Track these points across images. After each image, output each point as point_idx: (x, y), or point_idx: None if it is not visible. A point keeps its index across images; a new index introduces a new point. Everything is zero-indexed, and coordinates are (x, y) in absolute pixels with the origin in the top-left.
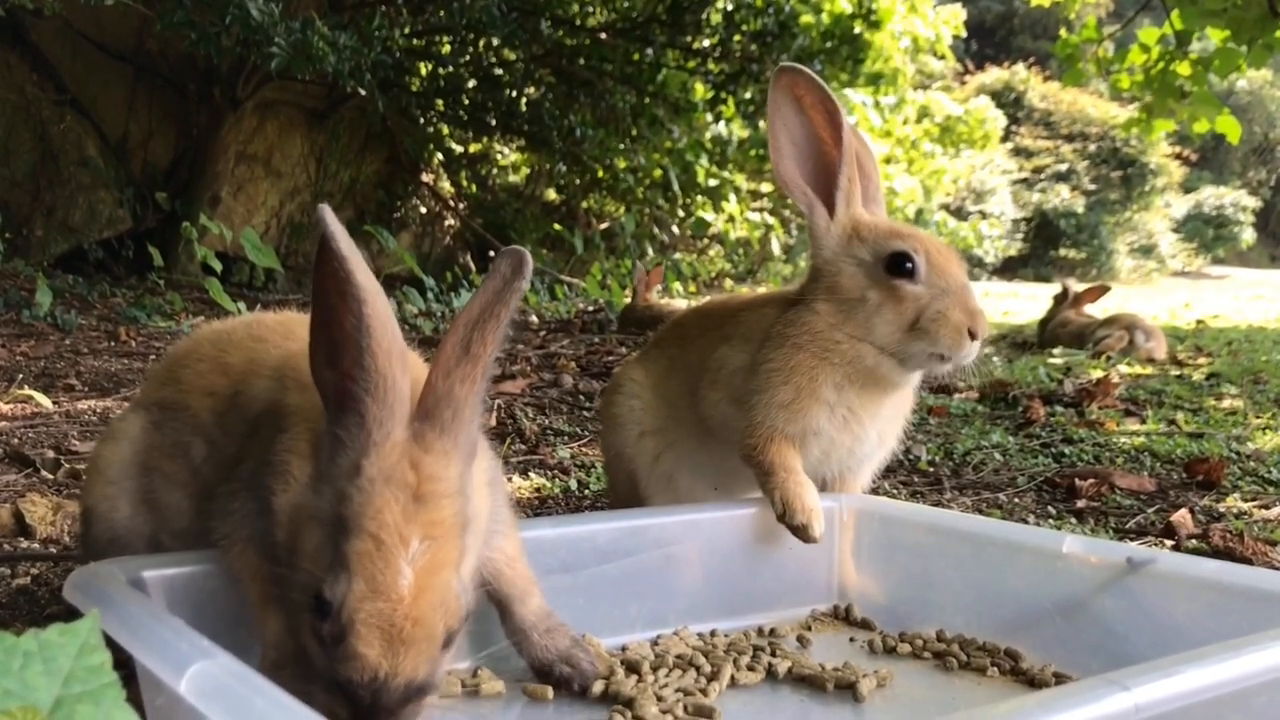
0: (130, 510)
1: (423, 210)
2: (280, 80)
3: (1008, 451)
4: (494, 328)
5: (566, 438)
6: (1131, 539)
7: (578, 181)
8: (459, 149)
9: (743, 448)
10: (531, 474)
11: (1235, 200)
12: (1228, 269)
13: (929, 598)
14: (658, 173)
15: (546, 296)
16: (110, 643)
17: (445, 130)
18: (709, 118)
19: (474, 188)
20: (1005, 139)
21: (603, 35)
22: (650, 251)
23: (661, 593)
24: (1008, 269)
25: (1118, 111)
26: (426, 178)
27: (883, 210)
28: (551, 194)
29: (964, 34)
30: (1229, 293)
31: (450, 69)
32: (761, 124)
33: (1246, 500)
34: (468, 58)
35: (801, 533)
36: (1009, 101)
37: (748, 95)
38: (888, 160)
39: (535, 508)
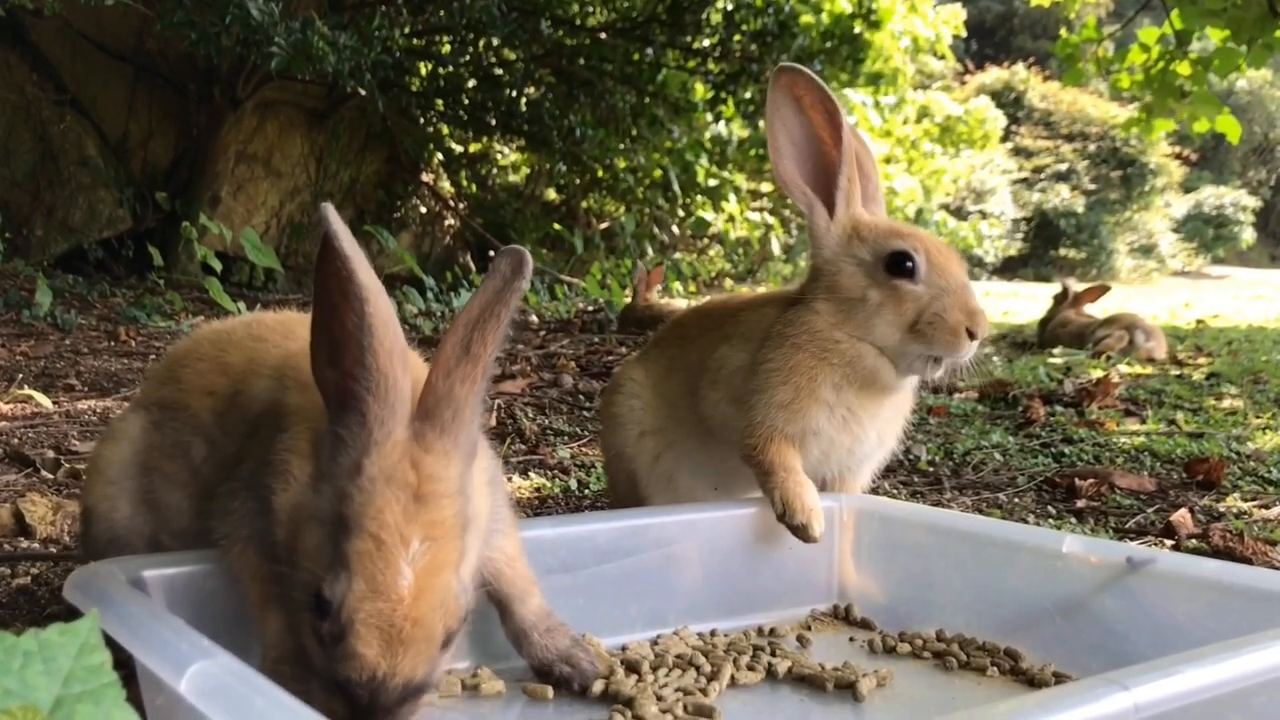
0: (130, 510)
1: (423, 210)
2: (280, 80)
3: (1008, 451)
4: (494, 327)
5: (566, 438)
6: (1131, 539)
7: (578, 181)
8: (459, 149)
9: (742, 447)
10: (531, 474)
11: (1235, 200)
12: (1228, 269)
13: (929, 597)
14: (658, 173)
15: (546, 296)
16: (110, 642)
17: (445, 130)
18: (709, 118)
19: (474, 188)
20: (1005, 139)
21: (603, 35)
22: (650, 251)
23: (661, 592)
24: (1008, 269)
25: (1118, 111)
26: (426, 178)
27: (882, 210)
28: (551, 194)
29: (964, 34)
30: (1229, 292)
31: (450, 69)
32: (761, 124)
33: (1246, 500)
34: (468, 58)
35: (801, 532)
36: (1009, 101)
37: (748, 95)
38: (888, 160)
39: (535, 508)
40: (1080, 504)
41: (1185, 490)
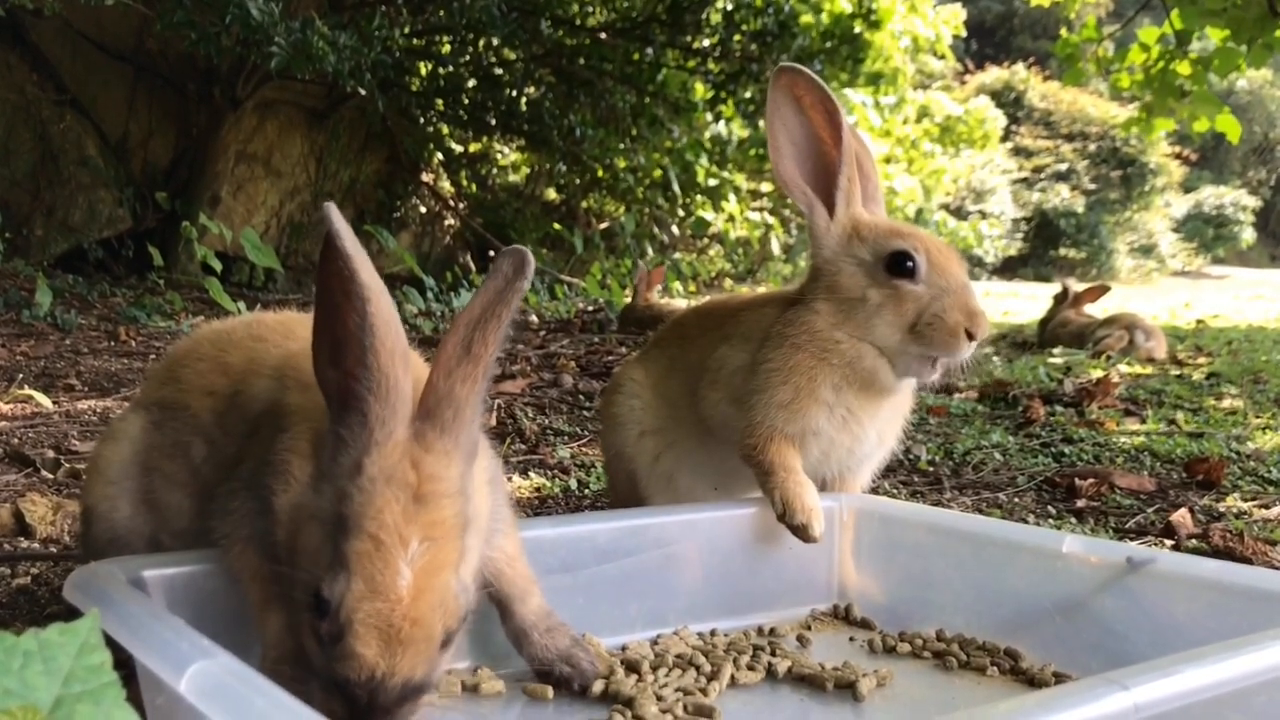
0: (130, 510)
1: (423, 210)
2: (280, 80)
3: (1008, 451)
4: (495, 328)
5: (566, 438)
6: (1131, 539)
7: (578, 181)
8: (459, 149)
9: (742, 447)
10: (531, 474)
11: (1235, 200)
12: (1228, 269)
13: (929, 597)
14: (658, 173)
15: (546, 296)
16: (110, 642)
17: (445, 130)
18: (709, 117)
19: (474, 187)
20: (1005, 139)
21: (603, 35)
22: (650, 251)
23: (661, 592)
24: (1008, 269)
25: (1118, 111)
26: (426, 177)
27: (882, 210)
28: (551, 194)
29: (964, 34)
30: (1229, 292)
31: (450, 69)
32: (761, 124)
33: (1246, 500)
34: (468, 58)
35: (801, 532)
36: (1009, 101)
37: (748, 95)
38: (888, 160)
39: (535, 507)
40: (1080, 504)
41: (1185, 490)
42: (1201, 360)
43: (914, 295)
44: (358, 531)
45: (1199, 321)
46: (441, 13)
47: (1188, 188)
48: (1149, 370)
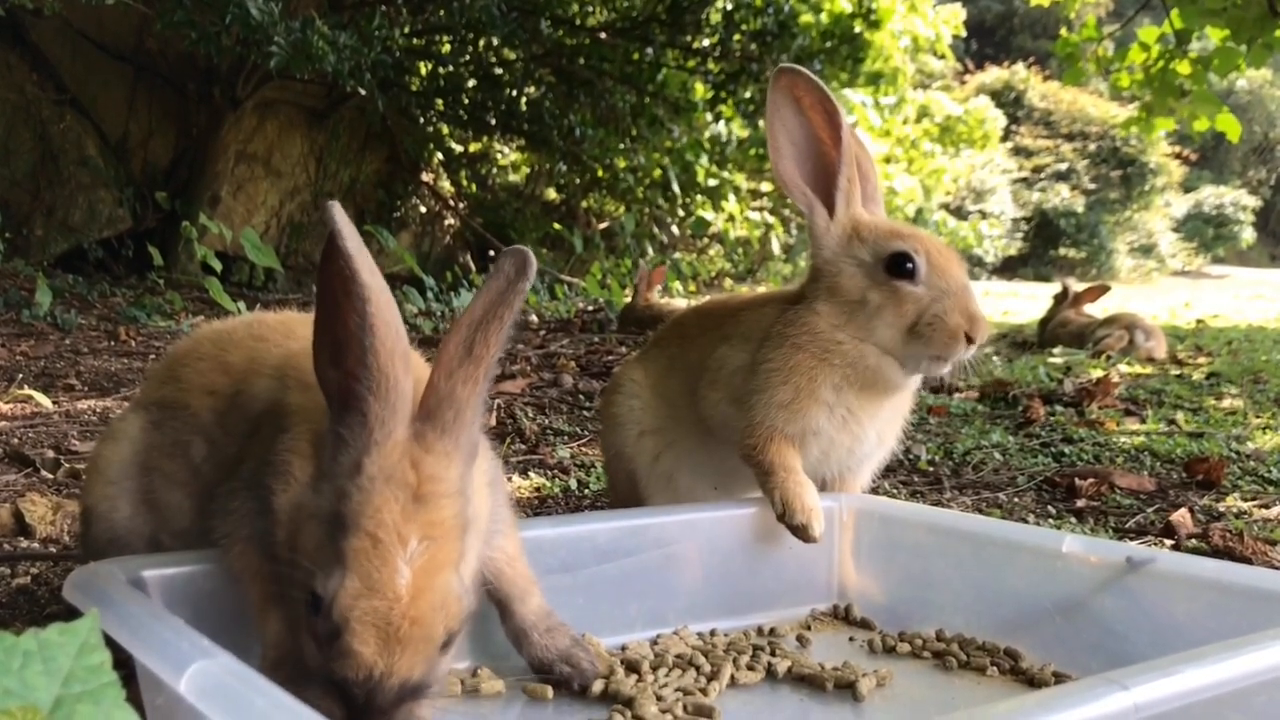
0: (130, 510)
1: (423, 210)
2: (280, 80)
3: (1008, 451)
4: (497, 329)
5: (566, 437)
6: (1131, 539)
7: (578, 181)
8: (459, 148)
9: (742, 447)
10: (531, 474)
11: (1235, 200)
12: (1228, 268)
13: (929, 597)
14: (658, 172)
15: (546, 296)
16: (110, 642)
17: (445, 130)
18: (709, 117)
19: (474, 187)
20: (1005, 138)
21: (603, 35)
22: (650, 251)
23: (661, 592)
24: (1008, 268)
25: (1118, 111)
26: (426, 177)
27: (882, 210)
28: (551, 193)
29: (964, 33)
30: (1229, 292)
31: (450, 69)
32: (761, 124)
33: (1246, 500)
34: (468, 57)
35: (801, 532)
36: (1009, 101)
37: (747, 95)
38: (887, 160)
39: (535, 507)
40: (1080, 504)
41: (1185, 490)
42: (1201, 360)
43: (914, 296)
44: (356, 530)
45: (1199, 321)
46: (441, 13)
47: (1188, 187)
48: (1149, 370)
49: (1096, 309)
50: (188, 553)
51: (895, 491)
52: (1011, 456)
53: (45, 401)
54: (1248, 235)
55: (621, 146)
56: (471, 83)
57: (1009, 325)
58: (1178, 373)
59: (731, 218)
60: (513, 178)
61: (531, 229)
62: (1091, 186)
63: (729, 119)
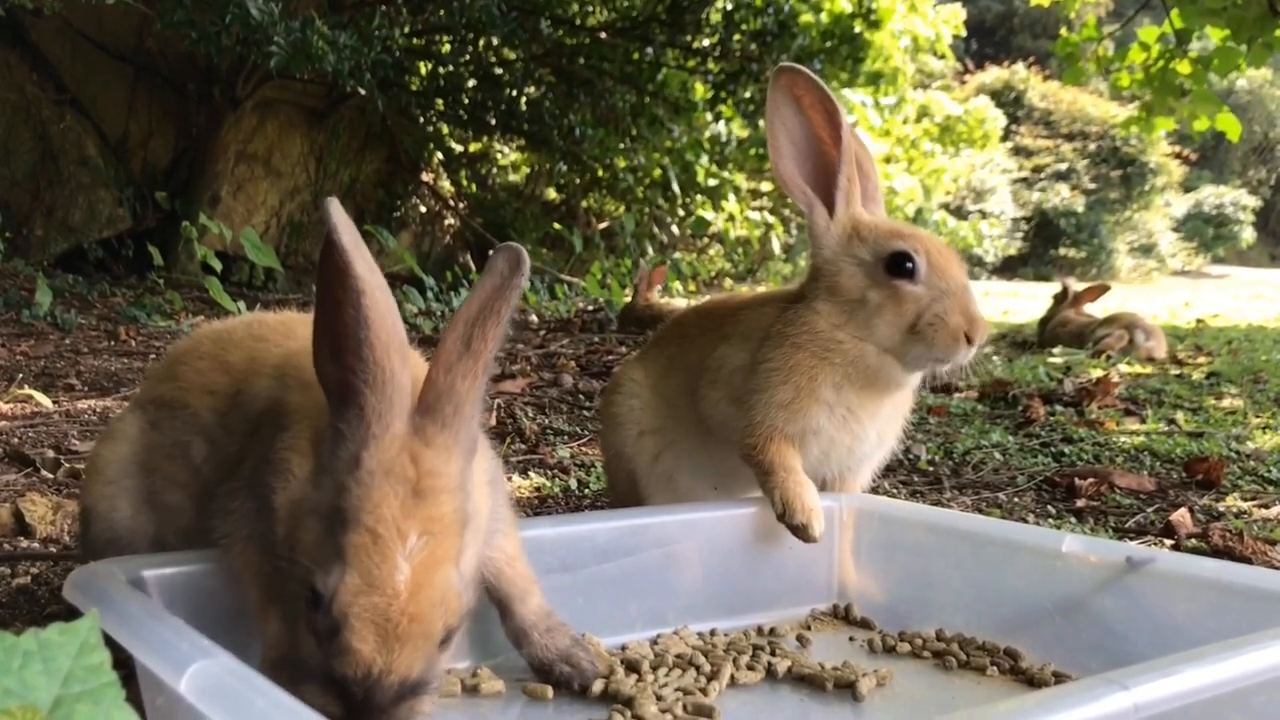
0: (130, 510)
1: (423, 210)
2: (280, 79)
3: (1007, 451)
4: (495, 323)
5: (566, 437)
6: (1131, 538)
7: (578, 181)
8: (459, 148)
9: (742, 447)
10: (531, 473)
11: (1235, 199)
12: (1228, 268)
13: (929, 597)
14: (657, 172)
15: (546, 296)
16: (110, 642)
17: (445, 130)
18: (709, 117)
19: (474, 187)
20: (1005, 138)
21: (603, 35)
22: (650, 251)
23: (661, 592)
24: (1008, 268)
25: (1118, 110)
26: (426, 177)
27: (882, 210)
28: (551, 193)
29: (964, 33)
30: (1229, 292)
31: (450, 68)
32: (761, 123)
33: (1246, 499)
34: (467, 57)
35: (801, 532)
36: (1009, 101)
37: (747, 95)
38: (887, 160)
39: (535, 507)
40: (1080, 503)
41: (1185, 490)
42: (1201, 360)
43: (913, 296)
44: (355, 525)
45: (1199, 321)
46: (441, 12)
47: (1188, 187)
48: (1149, 370)
49: (1096, 309)
50: (188, 553)
51: (895, 491)
52: (1011, 456)
53: (45, 401)
54: (1248, 235)
55: (621, 146)
56: (471, 83)
57: (1009, 325)
58: (1178, 372)
59: (731, 218)
60: (513, 178)
61: (531, 229)
62: (1091, 186)
63: (729, 119)
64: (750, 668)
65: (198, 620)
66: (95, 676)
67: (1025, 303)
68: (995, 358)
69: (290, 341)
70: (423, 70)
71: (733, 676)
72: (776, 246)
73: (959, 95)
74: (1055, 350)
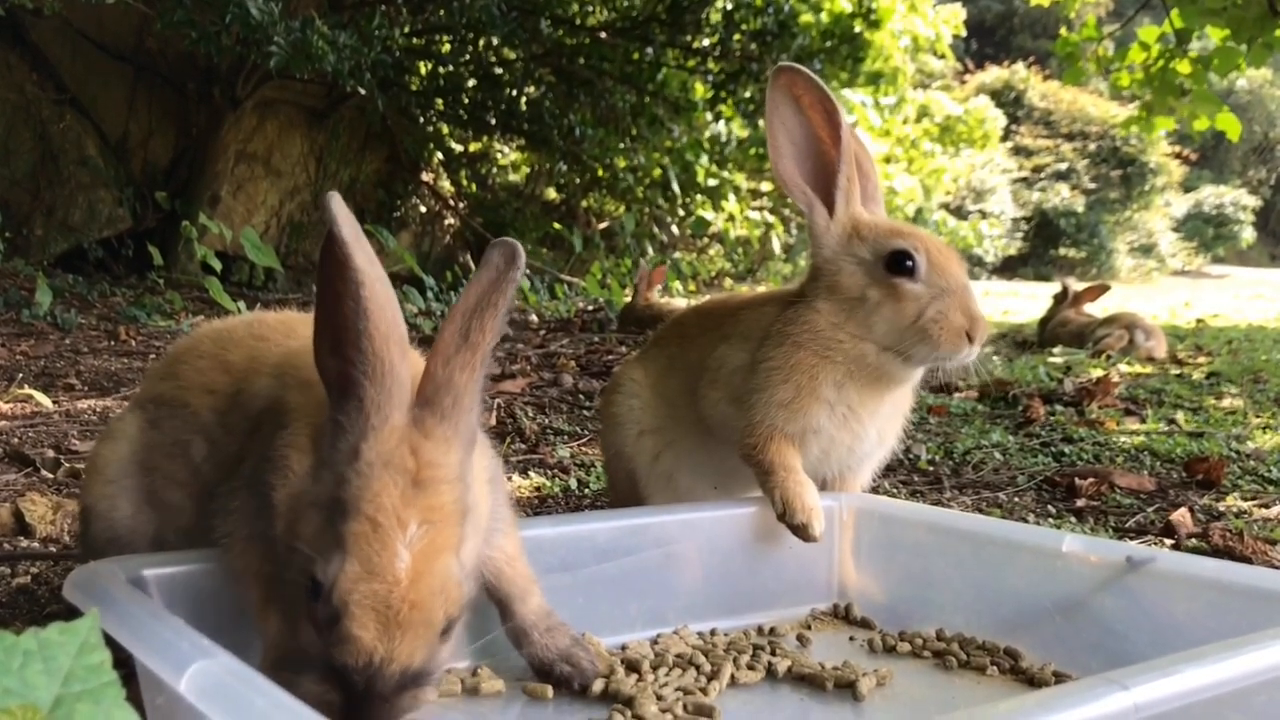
0: (131, 509)
1: (423, 209)
2: (280, 79)
3: (1008, 451)
4: (492, 316)
5: (566, 437)
6: (1131, 538)
7: (578, 181)
8: (459, 148)
9: (742, 447)
10: (531, 473)
11: (1235, 199)
12: (1228, 268)
13: (929, 597)
14: (657, 172)
15: (546, 296)
16: (110, 642)
17: (445, 129)
18: (709, 117)
19: (474, 187)
20: (1005, 138)
21: (602, 35)
22: (650, 251)
23: (661, 592)
24: (1008, 268)
25: (1118, 110)
26: (426, 177)
27: (882, 209)
28: (551, 193)
29: (964, 33)
30: (1229, 292)
31: (450, 68)
32: (761, 123)
33: (1246, 499)
34: (467, 57)
35: (801, 532)
36: (1009, 101)
37: (747, 94)
38: (887, 160)
39: (535, 507)
40: (1080, 503)
41: (1185, 490)
42: (1201, 360)
43: (913, 294)
44: (355, 514)
45: (1199, 321)
46: (441, 12)
47: (1188, 187)
48: (1149, 370)
49: (1096, 308)
50: (188, 552)
51: (895, 491)
52: (1011, 456)
53: (45, 401)
54: (1248, 235)
55: (621, 146)
56: (471, 82)
57: (1009, 325)
58: (1178, 372)
59: (731, 217)
60: (513, 177)
61: (531, 229)
62: (1091, 186)
63: (729, 119)
64: (750, 667)
65: (198, 620)
66: (95, 676)
67: (1025, 303)
68: (995, 358)
69: (290, 341)
70: (423, 70)
71: (733, 676)
72: (776, 246)
73: (959, 95)
74: (1055, 350)
